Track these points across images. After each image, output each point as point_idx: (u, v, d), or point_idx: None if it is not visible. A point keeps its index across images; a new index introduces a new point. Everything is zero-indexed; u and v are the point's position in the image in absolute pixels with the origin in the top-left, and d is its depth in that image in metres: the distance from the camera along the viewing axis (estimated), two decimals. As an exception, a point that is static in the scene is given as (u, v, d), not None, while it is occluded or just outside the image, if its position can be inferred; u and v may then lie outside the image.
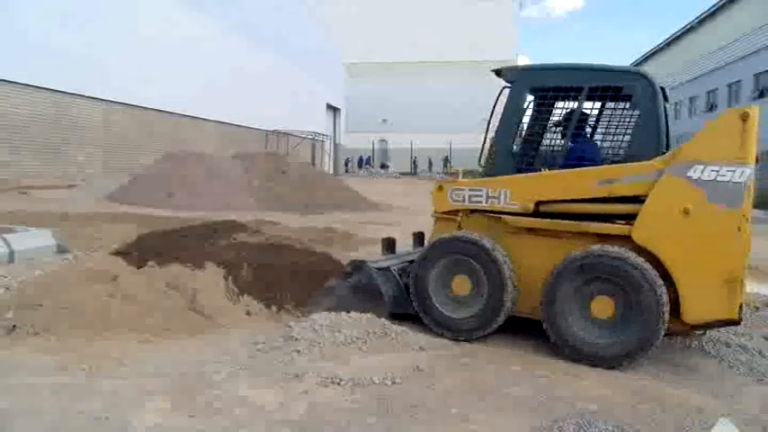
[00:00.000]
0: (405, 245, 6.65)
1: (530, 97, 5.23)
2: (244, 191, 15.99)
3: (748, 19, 29.18)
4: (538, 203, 4.82)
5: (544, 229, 4.81)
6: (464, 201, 5.14)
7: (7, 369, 3.83)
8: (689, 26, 38.32)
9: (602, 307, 4.44)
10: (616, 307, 4.40)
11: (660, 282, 4.23)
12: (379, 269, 5.35)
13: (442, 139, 47.65)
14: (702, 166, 4.22)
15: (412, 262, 5.36)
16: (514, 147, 5.18)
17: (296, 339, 4.41)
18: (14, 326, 4.51)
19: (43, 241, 7.14)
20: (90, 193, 14.74)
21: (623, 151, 4.91)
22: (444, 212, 5.30)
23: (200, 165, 16.55)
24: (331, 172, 35.40)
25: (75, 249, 7.32)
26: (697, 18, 36.85)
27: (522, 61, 54.93)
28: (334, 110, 41.80)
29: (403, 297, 5.21)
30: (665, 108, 4.90)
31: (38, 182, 14.73)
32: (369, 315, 4.91)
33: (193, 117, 22.36)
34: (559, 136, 5.36)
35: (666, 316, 4.23)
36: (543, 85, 5.14)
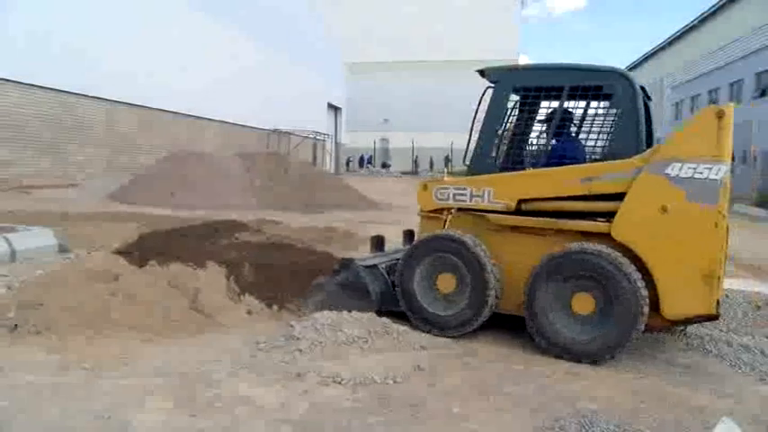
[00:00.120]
0: (399, 243, 6.68)
1: (514, 97, 5.31)
2: (245, 190, 15.99)
3: (749, 18, 29.15)
4: (520, 202, 4.91)
5: (527, 227, 4.91)
6: (449, 199, 5.23)
7: (8, 368, 3.83)
8: (690, 25, 38.29)
9: (583, 303, 4.51)
10: (596, 303, 4.47)
11: (638, 277, 4.31)
12: (366, 267, 5.45)
13: (443, 139, 47.60)
14: (680, 164, 4.31)
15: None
16: (498, 146, 5.27)
17: (297, 338, 4.41)
18: (16, 325, 4.51)
19: (45, 241, 7.15)
20: (91, 193, 14.75)
21: (605, 150, 5.01)
22: (430, 211, 5.39)
23: (201, 164, 16.56)
24: (332, 171, 35.41)
25: (76, 249, 7.33)
26: (698, 17, 36.82)
27: (524, 61, 54.89)
28: (335, 109, 41.79)
29: (390, 294, 5.30)
30: (647, 107, 5.01)
31: (40, 181, 14.75)
32: (370, 314, 4.92)
33: (195, 117, 22.37)
34: (542, 135, 5.44)
35: (645, 311, 4.31)
36: (526, 84, 5.23)
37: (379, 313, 5.08)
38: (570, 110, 5.38)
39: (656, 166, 4.39)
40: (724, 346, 4.94)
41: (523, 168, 5.10)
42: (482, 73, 5.32)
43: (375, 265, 5.50)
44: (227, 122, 24.92)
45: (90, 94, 16.68)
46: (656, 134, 5.33)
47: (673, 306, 4.37)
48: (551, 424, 3.32)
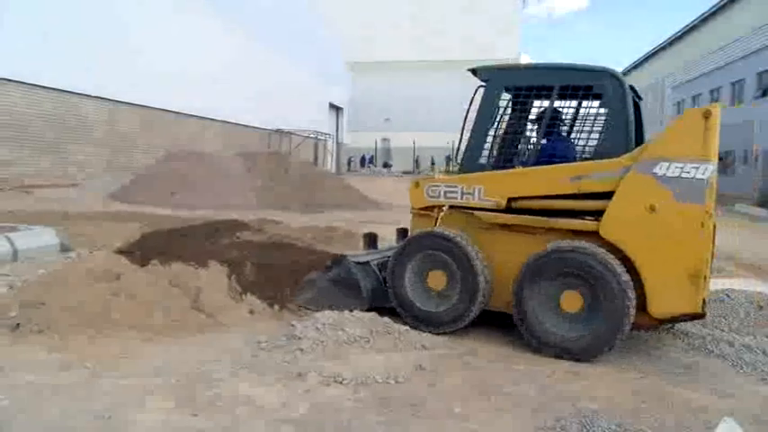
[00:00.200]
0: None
1: (505, 96, 5.35)
2: (245, 190, 16.01)
3: (750, 18, 29.10)
4: (510, 200, 4.95)
5: (516, 225, 4.95)
6: (440, 197, 5.29)
7: (9, 367, 3.84)
8: (692, 25, 38.24)
9: (571, 301, 4.55)
10: (584, 301, 4.51)
11: (625, 275, 4.34)
12: (358, 263, 5.50)
13: (444, 138, 47.56)
14: (667, 164, 4.34)
15: None
16: (489, 144, 5.31)
17: (299, 338, 4.41)
18: (18, 324, 4.52)
19: (46, 240, 7.17)
20: (92, 192, 14.77)
21: (594, 149, 5.05)
22: (421, 208, 5.45)
23: (201, 164, 16.58)
24: (334, 171, 35.41)
25: (77, 248, 7.34)
26: (700, 16, 36.77)
27: (525, 60, 54.84)
28: (336, 109, 41.79)
29: (382, 291, 5.35)
30: (637, 107, 5.08)
31: (42, 181, 14.77)
32: (372, 314, 4.92)
33: (196, 117, 22.38)
34: (533, 134, 5.49)
35: (632, 309, 4.34)
36: (517, 84, 5.29)
37: (381, 313, 5.08)
38: (560, 109, 5.44)
39: (644, 165, 4.42)
40: (726, 345, 4.93)
41: (514, 167, 5.16)
42: (474, 72, 5.37)
43: (367, 262, 5.56)
44: (228, 122, 24.93)
45: (92, 94, 16.69)
46: (649, 135, 5.36)
47: (660, 305, 4.41)
48: (552, 424, 3.31)
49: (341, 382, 3.79)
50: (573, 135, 5.76)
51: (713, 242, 4.60)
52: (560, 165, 4.85)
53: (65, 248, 7.21)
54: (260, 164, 17.82)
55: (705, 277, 4.30)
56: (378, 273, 5.49)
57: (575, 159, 5.02)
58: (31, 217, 9.32)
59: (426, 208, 5.42)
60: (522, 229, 4.93)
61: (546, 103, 5.11)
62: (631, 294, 4.33)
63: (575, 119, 5.78)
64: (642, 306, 4.43)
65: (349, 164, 47.11)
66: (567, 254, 4.50)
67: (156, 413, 3.29)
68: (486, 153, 5.27)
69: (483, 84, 5.28)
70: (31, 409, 3.28)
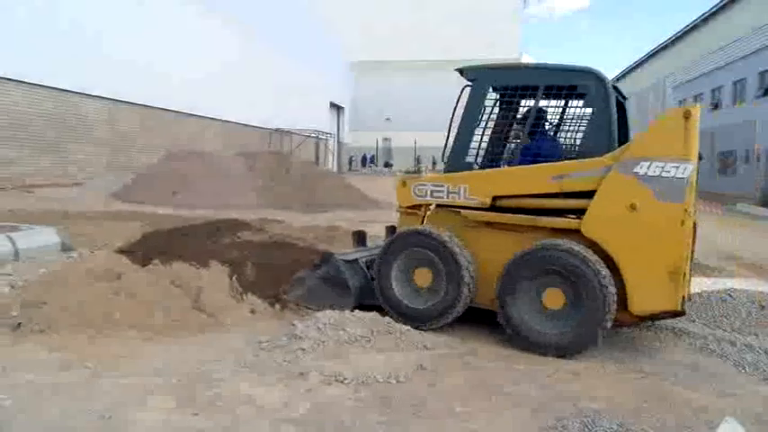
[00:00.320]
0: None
1: (491, 95, 5.41)
2: (247, 189, 16.00)
3: (752, 17, 29.04)
4: (495, 198, 5.01)
5: (501, 223, 5.01)
6: (426, 196, 5.35)
7: (10, 367, 3.84)
8: (694, 24, 38.18)
9: (553, 298, 4.61)
10: (566, 298, 4.56)
11: (605, 272, 4.40)
12: (346, 261, 5.56)
13: (445, 138, 47.54)
14: (648, 163, 4.39)
15: None
16: (475, 143, 5.37)
17: (300, 338, 4.41)
18: (19, 323, 4.52)
19: (48, 239, 7.16)
20: (94, 192, 14.78)
21: (578, 148, 5.14)
22: (408, 207, 5.51)
23: (203, 163, 16.59)
24: (335, 170, 35.40)
25: (79, 248, 7.34)
26: (701, 16, 36.71)
27: (526, 60, 54.81)
28: (337, 108, 41.79)
29: (369, 288, 5.40)
30: (622, 107, 5.17)
31: (42, 180, 14.78)
32: (373, 314, 4.91)
33: (197, 116, 22.38)
34: (518, 133, 5.54)
35: (613, 306, 4.39)
36: (502, 83, 5.35)
37: (382, 313, 5.09)
38: (545, 109, 5.50)
39: (625, 164, 4.47)
40: (727, 345, 4.93)
41: (500, 166, 5.24)
42: (461, 72, 5.42)
43: (355, 260, 5.63)
44: (229, 122, 24.94)
45: (93, 94, 16.70)
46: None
47: (640, 302, 4.45)
48: (553, 424, 3.31)
49: (342, 382, 3.79)
50: (558, 134, 5.84)
51: (694, 240, 4.67)
52: (543, 164, 4.91)
53: (66, 248, 7.21)
54: (261, 163, 17.82)
55: (685, 275, 4.36)
56: (366, 270, 5.56)
57: (560, 159, 5.07)
58: (31, 216, 9.33)
59: (413, 207, 5.48)
60: (507, 227, 4.99)
61: (532, 103, 5.17)
62: (612, 292, 4.38)
63: (561, 118, 5.85)
64: (624, 303, 4.48)
65: (350, 163, 47.11)
66: (550, 252, 4.56)
67: (156, 413, 3.29)
68: (472, 152, 5.34)
69: (469, 83, 5.34)
70: (32, 408, 3.28)
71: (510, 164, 5.19)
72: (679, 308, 4.36)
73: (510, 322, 4.71)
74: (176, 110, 20.88)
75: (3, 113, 13.96)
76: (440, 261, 4.98)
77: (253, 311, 5.40)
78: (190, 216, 11.07)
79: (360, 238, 6.55)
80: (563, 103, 5.72)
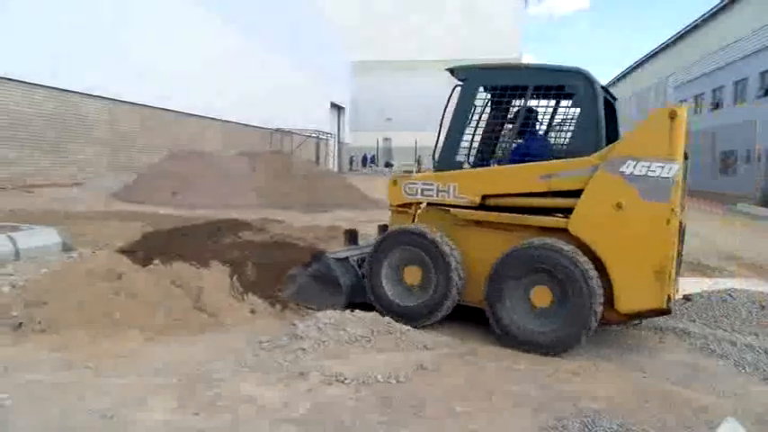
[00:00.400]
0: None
1: (482, 95, 5.44)
2: (247, 189, 16.00)
3: (754, 17, 29.03)
4: (484, 197, 5.05)
5: (489, 222, 5.05)
6: (417, 194, 5.40)
7: (12, 366, 3.84)
8: (695, 24, 38.16)
9: (541, 296, 4.65)
10: (553, 296, 4.60)
11: (592, 271, 4.43)
12: (337, 259, 5.61)
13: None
14: (634, 162, 4.42)
15: None
16: (465, 142, 5.41)
17: (300, 338, 4.41)
18: (20, 323, 4.53)
19: (49, 239, 7.16)
20: (94, 192, 14.78)
21: (566, 148, 5.18)
22: (399, 205, 5.56)
23: (203, 163, 16.58)
24: (336, 170, 35.41)
25: (79, 248, 7.34)
26: (703, 16, 36.69)
27: (527, 60, 54.82)
28: (338, 108, 41.78)
29: (361, 286, 5.45)
30: (612, 107, 5.23)
31: (43, 180, 14.78)
32: (373, 314, 4.92)
33: (197, 116, 22.38)
34: (507, 133, 5.60)
35: (599, 305, 4.43)
36: (492, 83, 5.40)
37: (383, 312, 5.10)
38: (534, 108, 5.53)
39: (612, 164, 4.50)
40: (728, 345, 4.93)
41: (489, 165, 5.28)
42: (451, 71, 5.45)
43: (346, 258, 5.68)
44: (229, 122, 24.94)
45: (93, 94, 16.71)
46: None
47: (626, 300, 4.48)
48: (554, 423, 3.31)
49: (342, 382, 3.79)
50: (547, 134, 5.88)
51: (681, 240, 4.70)
52: (531, 163, 4.94)
53: (67, 248, 7.21)
54: (261, 163, 17.81)
55: (670, 274, 4.38)
56: (357, 268, 5.61)
57: (549, 158, 5.09)
58: (32, 216, 9.33)
59: (404, 205, 5.53)
60: (496, 225, 5.03)
61: (521, 103, 5.21)
62: (598, 290, 4.41)
63: (551, 118, 5.89)
64: (611, 302, 4.51)
65: (350, 163, 47.11)
66: (537, 250, 4.60)
67: (157, 413, 3.30)
68: (462, 151, 5.38)
69: (460, 83, 5.38)
70: (32, 408, 3.29)
71: (500, 163, 5.23)
72: (665, 306, 4.38)
73: (497, 320, 4.76)
74: (176, 110, 20.87)
75: (3, 113, 13.96)
76: (430, 259, 5.03)
77: (253, 311, 5.40)
78: (190, 216, 11.08)
79: (351, 236, 6.62)
80: (553, 103, 5.76)
